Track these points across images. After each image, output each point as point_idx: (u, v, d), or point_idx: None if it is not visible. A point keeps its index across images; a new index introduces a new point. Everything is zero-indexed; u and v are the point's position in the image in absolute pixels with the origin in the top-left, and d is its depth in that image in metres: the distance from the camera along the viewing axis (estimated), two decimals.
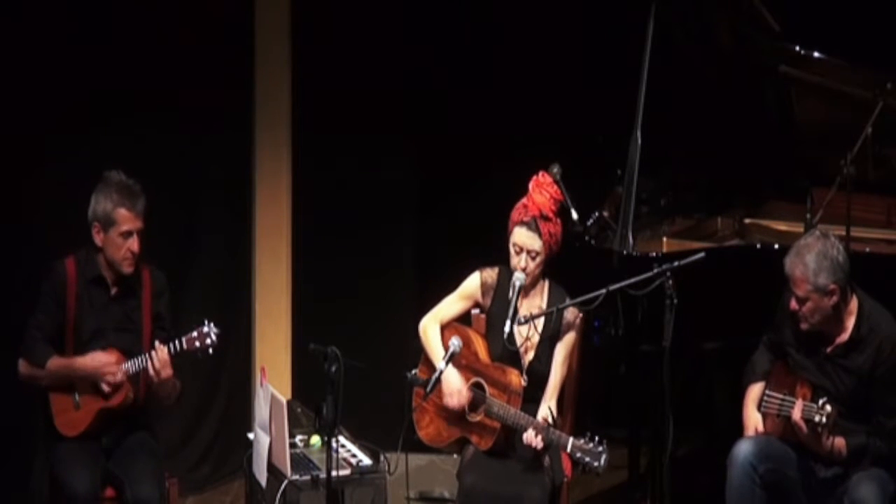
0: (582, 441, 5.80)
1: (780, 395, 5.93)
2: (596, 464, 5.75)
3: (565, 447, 5.83)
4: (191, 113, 7.48)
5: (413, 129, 8.06)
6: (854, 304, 5.90)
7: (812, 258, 5.77)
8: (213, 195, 7.71)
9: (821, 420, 5.72)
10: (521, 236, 6.08)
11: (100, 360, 6.03)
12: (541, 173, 6.15)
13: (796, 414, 5.80)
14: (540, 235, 6.05)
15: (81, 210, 6.10)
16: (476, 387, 6.12)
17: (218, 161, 7.69)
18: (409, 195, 8.14)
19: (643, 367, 6.59)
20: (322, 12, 7.82)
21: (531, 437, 5.88)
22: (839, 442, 5.83)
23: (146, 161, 7.04)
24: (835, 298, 5.81)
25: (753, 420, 6.03)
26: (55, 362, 6.06)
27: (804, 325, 5.88)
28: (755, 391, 6.09)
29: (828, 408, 5.71)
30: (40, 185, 7.00)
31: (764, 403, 6.02)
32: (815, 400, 5.80)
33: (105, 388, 6.03)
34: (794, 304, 5.85)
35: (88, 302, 6.11)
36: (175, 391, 6.15)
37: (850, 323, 5.89)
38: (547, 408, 6.05)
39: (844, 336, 5.90)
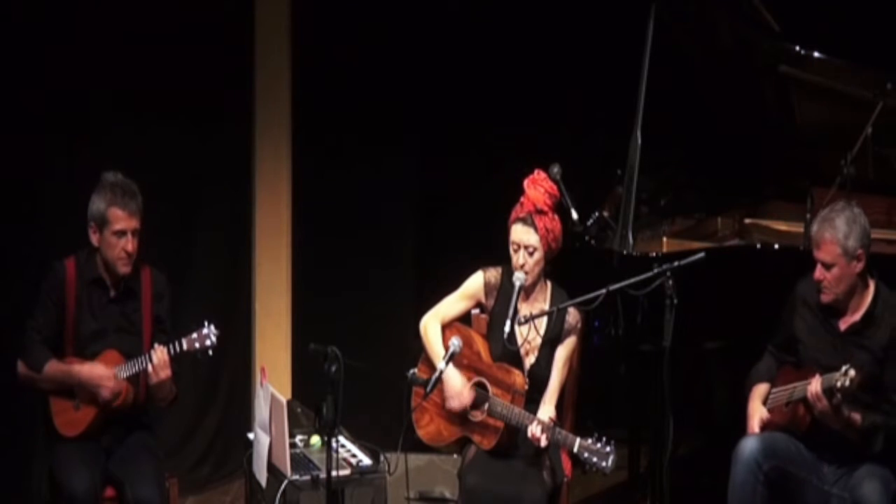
0: (589, 441, 5.80)
1: (791, 386, 5.93)
2: (604, 464, 5.75)
3: (572, 447, 5.83)
4: (191, 113, 7.49)
5: (413, 128, 8.05)
6: (871, 285, 5.93)
7: (842, 221, 5.82)
8: (213, 195, 7.71)
9: (843, 384, 5.67)
10: (518, 233, 6.08)
11: (97, 373, 6.02)
12: (536, 171, 6.16)
13: (814, 386, 5.78)
14: (536, 230, 6.05)
15: (82, 210, 6.09)
16: (479, 386, 6.13)
17: (218, 161, 7.69)
18: (409, 195, 8.14)
19: (643, 367, 6.59)
20: (322, 12, 7.82)
21: (535, 431, 5.88)
22: (854, 415, 5.82)
23: (146, 161, 7.05)
24: (861, 265, 5.84)
25: (758, 413, 6.02)
26: (53, 367, 6.06)
27: (827, 297, 5.88)
28: (760, 389, 6.09)
29: (851, 372, 5.67)
30: (41, 185, 7.00)
31: (771, 398, 6.02)
32: None
33: (101, 400, 6.03)
34: (819, 273, 5.86)
35: (88, 303, 6.11)
36: (171, 394, 6.15)
37: (867, 300, 5.91)
38: (550, 409, 6.06)
39: (858, 314, 5.92)
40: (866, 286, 5.93)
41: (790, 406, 5.95)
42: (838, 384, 5.70)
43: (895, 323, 5.88)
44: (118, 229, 6.02)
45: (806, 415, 5.92)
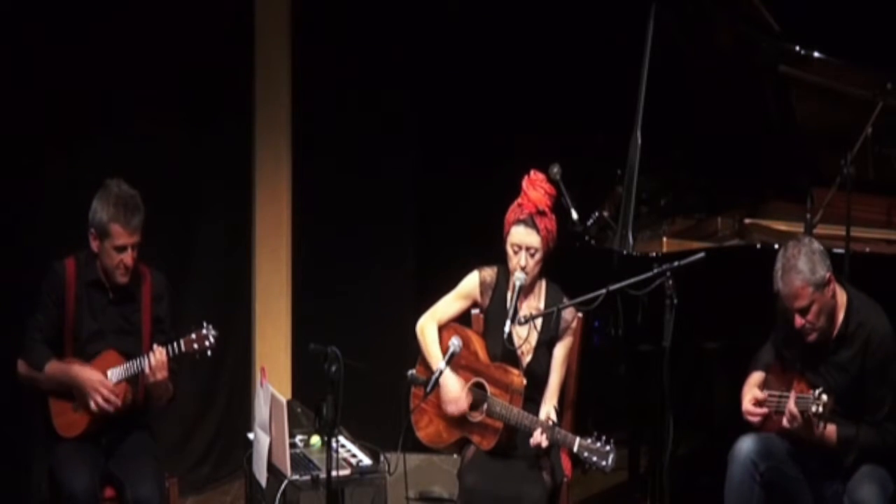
0: (589, 441, 5.80)
1: (778, 393, 5.94)
2: (604, 463, 5.76)
3: (572, 447, 5.83)
4: (191, 113, 7.48)
5: (413, 128, 8.05)
6: (843, 298, 5.92)
7: (803, 262, 5.79)
8: (213, 195, 7.71)
9: (817, 410, 5.72)
10: (519, 235, 6.08)
11: (95, 379, 6.00)
12: (532, 171, 6.15)
13: (791, 406, 5.80)
14: (538, 231, 6.05)
15: (82, 210, 6.09)
16: (477, 387, 6.12)
17: (218, 161, 7.69)
18: (409, 195, 8.14)
19: (643, 367, 6.59)
20: (322, 12, 7.82)
21: (538, 438, 5.88)
22: (830, 429, 5.84)
23: (146, 161, 7.05)
24: (832, 286, 5.83)
25: (750, 395, 6.02)
26: (53, 366, 6.05)
27: (813, 336, 5.86)
28: (755, 377, 6.08)
29: (824, 397, 5.72)
30: (41, 185, 7.00)
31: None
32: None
33: (92, 405, 6.01)
34: (798, 322, 5.84)
35: (87, 304, 6.11)
36: (168, 394, 6.15)
37: (840, 318, 5.90)
38: (550, 408, 6.06)
39: (833, 334, 5.91)
40: (838, 303, 5.91)
41: (779, 415, 5.96)
42: (812, 409, 5.73)
43: (868, 338, 5.87)
44: (119, 245, 6.02)
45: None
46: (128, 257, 6.03)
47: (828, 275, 5.81)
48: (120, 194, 6.03)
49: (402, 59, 7.95)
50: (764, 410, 5.97)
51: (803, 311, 5.82)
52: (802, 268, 5.79)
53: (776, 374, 6.05)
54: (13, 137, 6.87)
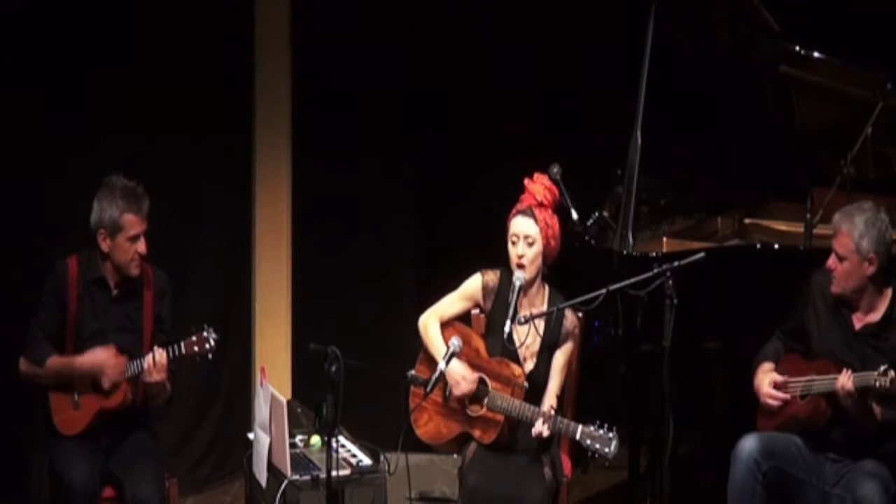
0: (591, 428, 5.80)
1: (804, 378, 5.92)
2: (606, 450, 5.75)
3: (574, 435, 5.83)
4: (191, 113, 7.48)
5: (413, 129, 8.05)
6: (889, 291, 5.94)
7: (861, 220, 5.85)
8: (213, 195, 7.71)
9: (883, 384, 5.69)
10: (517, 224, 6.09)
11: (99, 358, 6.03)
12: (535, 174, 6.17)
13: (846, 384, 5.75)
14: (536, 221, 6.05)
15: (82, 209, 6.09)
16: (479, 382, 6.12)
17: (218, 161, 7.69)
18: (409, 195, 8.14)
19: (643, 367, 6.59)
20: (322, 12, 7.82)
21: (539, 427, 5.88)
22: (876, 407, 5.83)
23: (146, 161, 7.04)
24: (872, 269, 5.85)
25: (767, 377, 6.00)
26: (55, 361, 6.06)
27: (835, 288, 5.90)
28: (765, 366, 6.08)
29: (892, 373, 5.70)
30: (41, 185, 7.00)
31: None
32: None
33: (106, 384, 6.02)
34: (832, 262, 5.89)
35: (90, 302, 6.11)
36: (165, 394, 6.15)
37: (884, 304, 5.93)
38: (553, 400, 6.05)
39: (875, 316, 5.93)
40: (882, 290, 5.94)
41: (809, 399, 5.94)
42: (877, 384, 5.71)
43: None
44: (133, 234, 6.04)
45: (827, 409, 5.91)
46: (142, 245, 6.06)
47: (872, 254, 5.84)
48: (124, 186, 6.06)
49: (402, 59, 7.94)
50: (786, 396, 5.97)
51: (839, 257, 5.87)
52: (857, 223, 5.85)
53: (795, 362, 6.03)
54: (13, 137, 6.88)
